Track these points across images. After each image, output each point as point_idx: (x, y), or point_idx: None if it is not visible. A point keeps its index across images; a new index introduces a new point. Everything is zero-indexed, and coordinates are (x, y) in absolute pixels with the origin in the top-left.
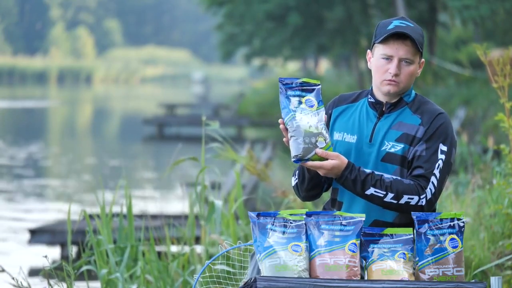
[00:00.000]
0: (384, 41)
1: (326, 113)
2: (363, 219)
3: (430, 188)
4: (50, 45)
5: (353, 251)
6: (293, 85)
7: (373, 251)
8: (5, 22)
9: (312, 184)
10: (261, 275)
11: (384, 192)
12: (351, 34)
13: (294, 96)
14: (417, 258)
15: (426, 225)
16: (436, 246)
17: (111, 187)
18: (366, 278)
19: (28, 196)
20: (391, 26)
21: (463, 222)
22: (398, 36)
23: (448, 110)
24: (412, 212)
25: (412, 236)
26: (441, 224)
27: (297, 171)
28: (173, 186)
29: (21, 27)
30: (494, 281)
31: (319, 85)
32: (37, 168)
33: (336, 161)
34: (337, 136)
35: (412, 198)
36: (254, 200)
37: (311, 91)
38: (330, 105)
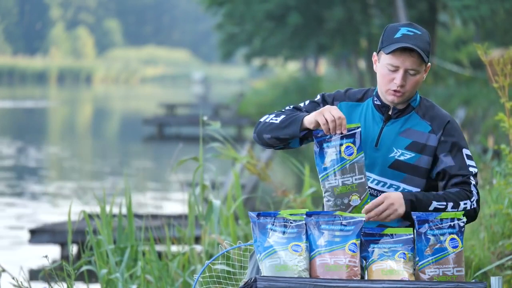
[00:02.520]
0: (391, 52)
1: (331, 104)
2: (363, 219)
3: (473, 190)
4: (50, 45)
5: (353, 251)
6: (329, 136)
7: (373, 251)
8: (5, 22)
9: (286, 144)
10: (261, 275)
11: (445, 203)
12: (351, 34)
13: (331, 147)
14: (417, 258)
15: (426, 225)
16: (436, 246)
17: (111, 187)
18: (366, 278)
19: (28, 195)
20: (398, 35)
21: (463, 222)
22: (405, 48)
23: (448, 110)
24: (412, 212)
25: (412, 236)
26: (441, 224)
27: (284, 129)
28: (173, 186)
29: (21, 27)
30: (494, 281)
31: (359, 128)
32: (37, 168)
33: (390, 199)
34: None
35: (466, 204)
36: (254, 200)
37: (351, 136)
38: (338, 96)
